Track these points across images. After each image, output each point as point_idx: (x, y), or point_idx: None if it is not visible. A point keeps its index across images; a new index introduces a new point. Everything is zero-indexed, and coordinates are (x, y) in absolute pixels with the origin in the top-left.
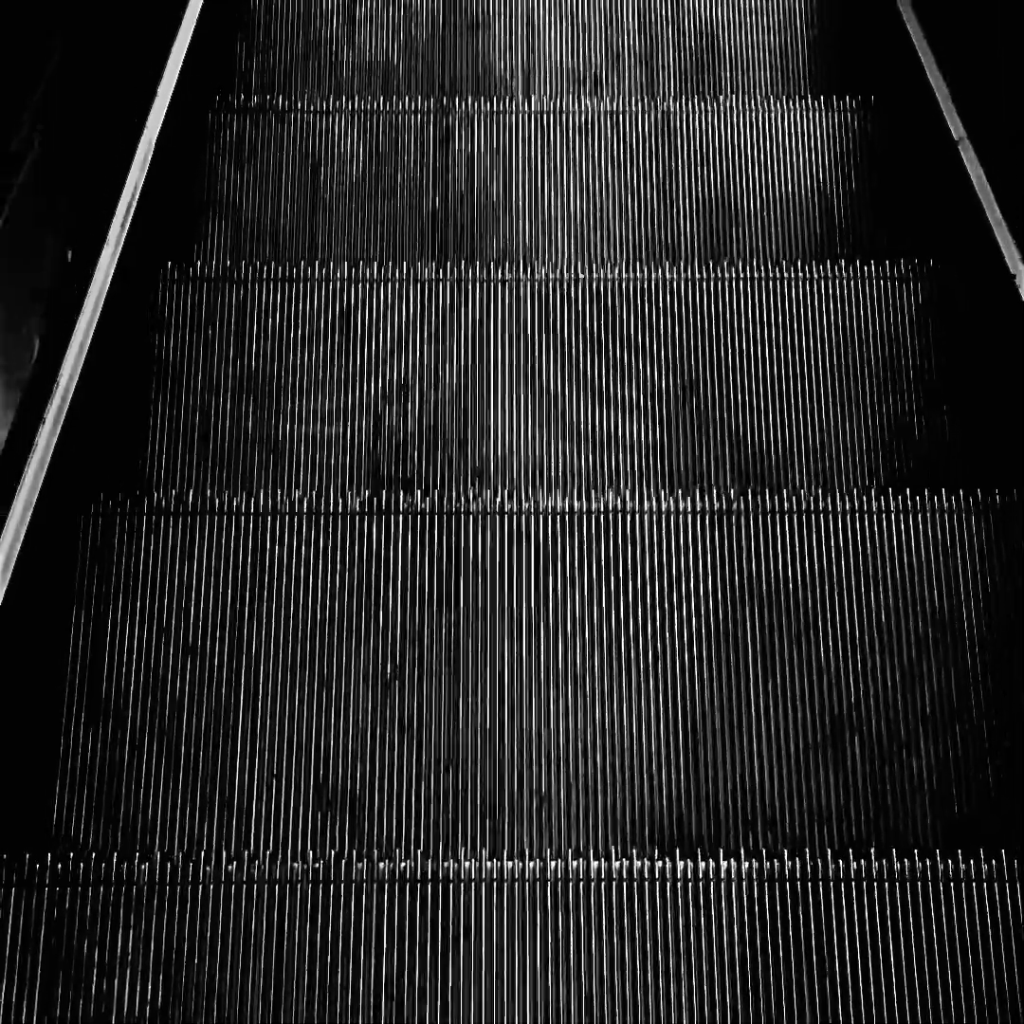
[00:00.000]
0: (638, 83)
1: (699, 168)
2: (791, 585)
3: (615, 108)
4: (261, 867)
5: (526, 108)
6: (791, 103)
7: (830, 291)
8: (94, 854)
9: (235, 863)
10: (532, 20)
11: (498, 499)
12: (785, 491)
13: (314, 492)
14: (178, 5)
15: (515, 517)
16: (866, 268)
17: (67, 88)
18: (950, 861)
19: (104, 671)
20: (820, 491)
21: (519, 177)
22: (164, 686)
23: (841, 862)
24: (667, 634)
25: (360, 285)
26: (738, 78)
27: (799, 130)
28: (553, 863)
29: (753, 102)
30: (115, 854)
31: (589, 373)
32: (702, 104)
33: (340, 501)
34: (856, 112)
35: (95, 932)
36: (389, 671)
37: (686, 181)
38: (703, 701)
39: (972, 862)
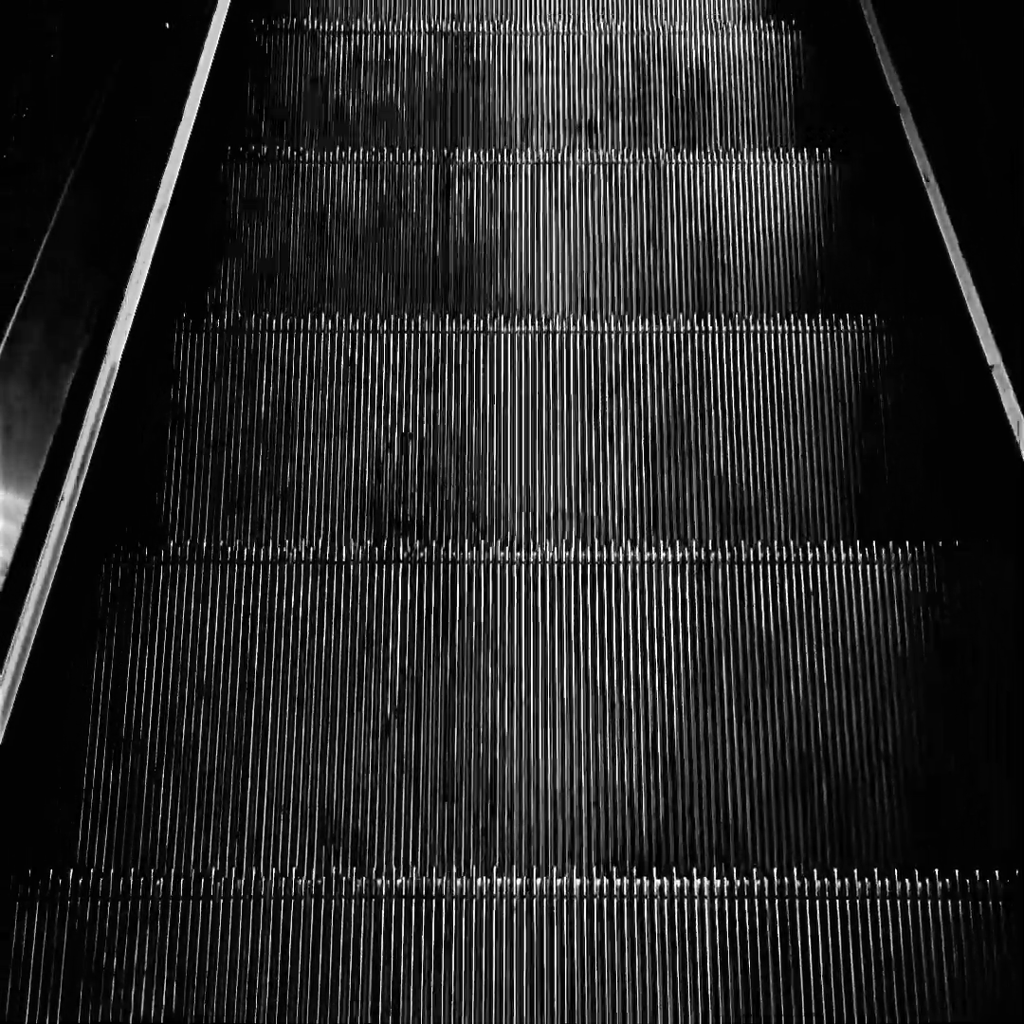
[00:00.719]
0: (631, 129)
1: (686, 217)
2: (764, 629)
3: (608, 159)
4: (268, 884)
5: (523, 159)
6: (775, 153)
7: (808, 343)
8: (112, 871)
9: (243, 880)
10: (531, 67)
11: (492, 548)
12: (759, 542)
13: (320, 540)
14: (191, 58)
15: (507, 566)
16: (841, 321)
17: (100, 146)
18: (907, 880)
19: (124, 709)
20: (793, 542)
21: (516, 227)
22: (180, 724)
23: (806, 880)
24: (648, 675)
25: (364, 335)
26: (726, 124)
27: (782, 180)
28: (539, 880)
29: (739, 153)
30: (133, 871)
31: (582, 421)
32: (691, 154)
33: (343, 549)
34: (837, 163)
35: (113, 943)
36: (390, 711)
37: (674, 230)
38: (681, 738)
39: (927, 881)
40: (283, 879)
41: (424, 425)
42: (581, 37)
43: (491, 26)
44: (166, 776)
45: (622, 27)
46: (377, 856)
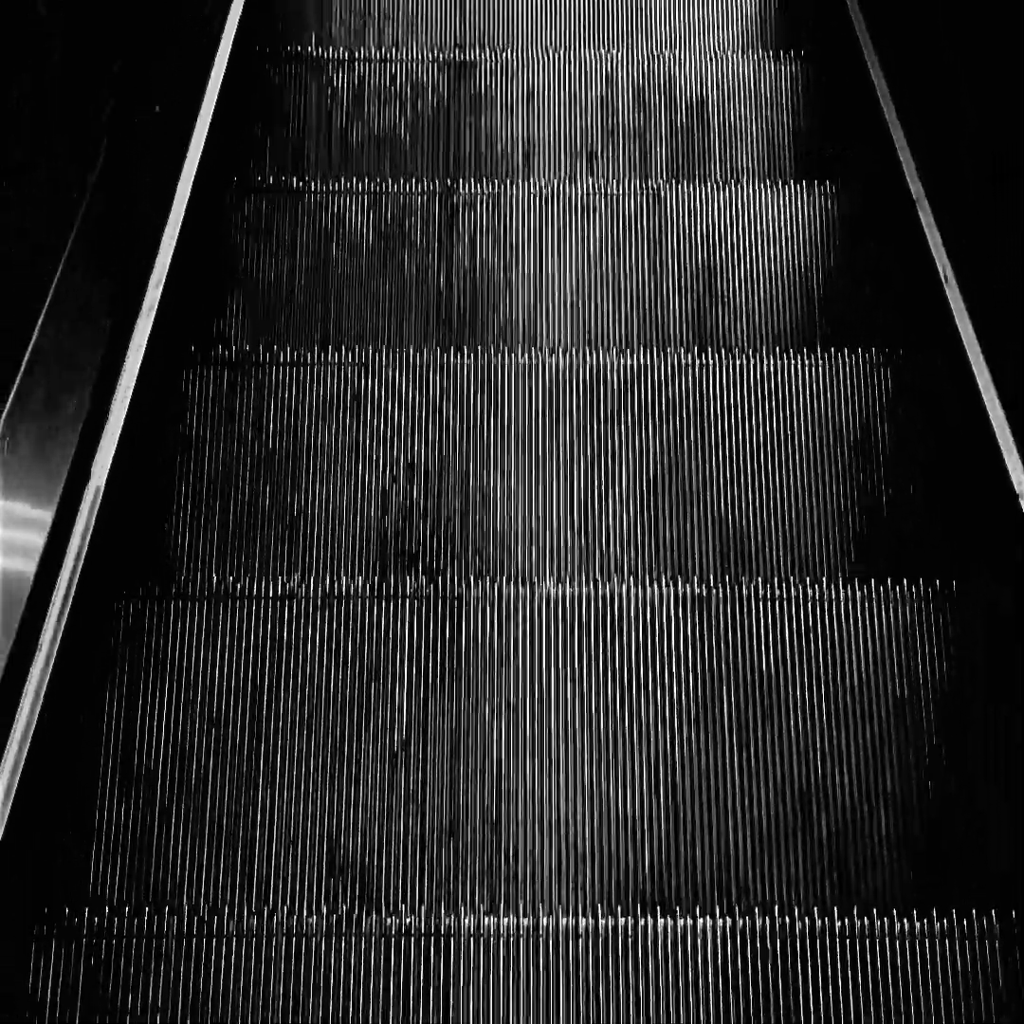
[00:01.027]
0: (631, 158)
1: (687, 247)
2: (764, 665)
3: (609, 190)
4: (278, 922)
5: (525, 189)
6: (775, 184)
7: (807, 377)
8: (127, 908)
9: (256, 918)
10: (532, 95)
11: (496, 584)
12: (759, 578)
13: (327, 575)
14: (198, 87)
15: (511, 601)
16: (840, 355)
17: (107, 184)
18: (905, 921)
19: (135, 744)
20: (793, 577)
21: (519, 258)
22: (190, 760)
23: (808, 920)
24: (651, 711)
25: (370, 368)
26: (726, 154)
27: (782, 211)
28: (545, 919)
29: (739, 183)
30: (147, 909)
31: (585, 454)
32: (691, 184)
33: (350, 584)
34: (836, 194)
35: (129, 981)
36: (397, 745)
37: (674, 261)
38: (683, 774)
39: (925, 922)
40: (294, 917)
41: (429, 458)
42: (581, 66)
43: (493, 55)
44: (177, 812)
45: (622, 56)
46: (385, 892)
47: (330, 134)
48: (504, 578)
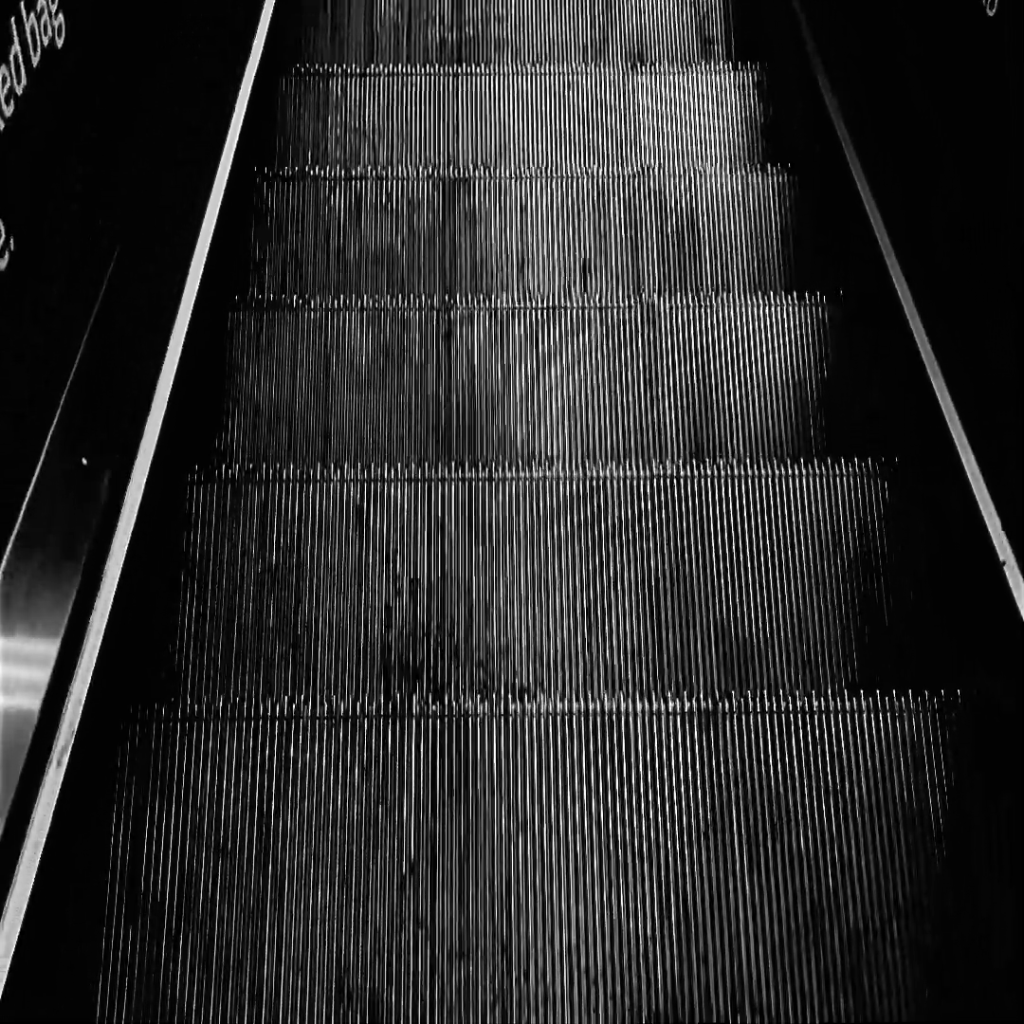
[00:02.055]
0: (624, 269)
1: (681, 360)
2: (772, 779)
3: (603, 303)
4: None
5: (521, 304)
6: (765, 296)
7: (805, 487)
8: None
9: None
10: (526, 210)
11: (501, 701)
12: (764, 690)
13: (333, 694)
14: (198, 209)
15: (517, 719)
16: (836, 465)
17: (112, 300)
18: None
19: (141, 871)
20: (798, 690)
21: (516, 372)
22: (196, 884)
23: None
24: (659, 827)
25: (371, 484)
26: (716, 267)
27: (773, 323)
28: None
29: (731, 296)
30: None
31: (586, 567)
32: (682, 297)
33: (355, 704)
34: (827, 305)
35: None
36: (405, 868)
37: (669, 374)
38: (693, 890)
39: None
40: None
41: (431, 572)
42: (573, 182)
43: (486, 171)
44: (183, 939)
45: (612, 171)
46: (394, 1020)
47: (328, 251)
48: (510, 695)
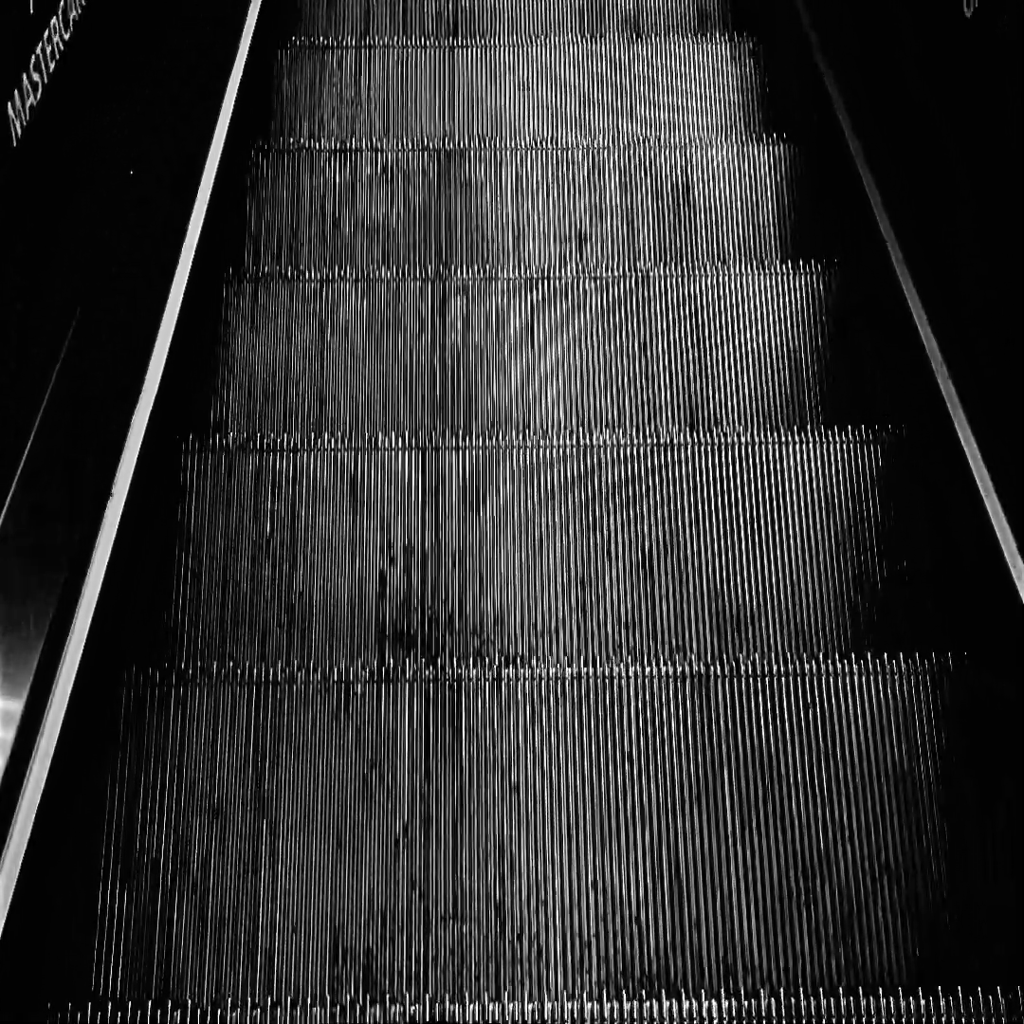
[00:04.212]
0: (620, 239)
1: (675, 329)
2: (764, 742)
3: (598, 273)
4: (282, 1014)
5: (516, 274)
6: (761, 265)
7: (799, 454)
8: (130, 1003)
9: (259, 1010)
10: (520, 181)
11: (495, 665)
12: (757, 654)
13: (326, 659)
14: (192, 180)
15: (510, 683)
16: (830, 433)
17: (105, 272)
18: (911, 999)
19: (136, 831)
20: (790, 653)
21: (511, 342)
22: (191, 846)
23: (813, 1000)
24: (652, 790)
25: (366, 452)
26: (712, 236)
27: (768, 292)
28: (549, 1005)
29: (726, 265)
30: (150, 1002)
31: (579, 533)
32: (678, 266)
33: (349, 668)
34: (823, 273)
35: None
36: (398, 829)
37: (664, 342)
38: (686, 852)
39: (930, 999)
40: (298, 1008)
41: (426, 540)
42: (569, 152)
43: (482, 143)
44: (178, 897)
45: (608, 142)
46: (389, 979)
47: (324, 223)
48: (503, 659)
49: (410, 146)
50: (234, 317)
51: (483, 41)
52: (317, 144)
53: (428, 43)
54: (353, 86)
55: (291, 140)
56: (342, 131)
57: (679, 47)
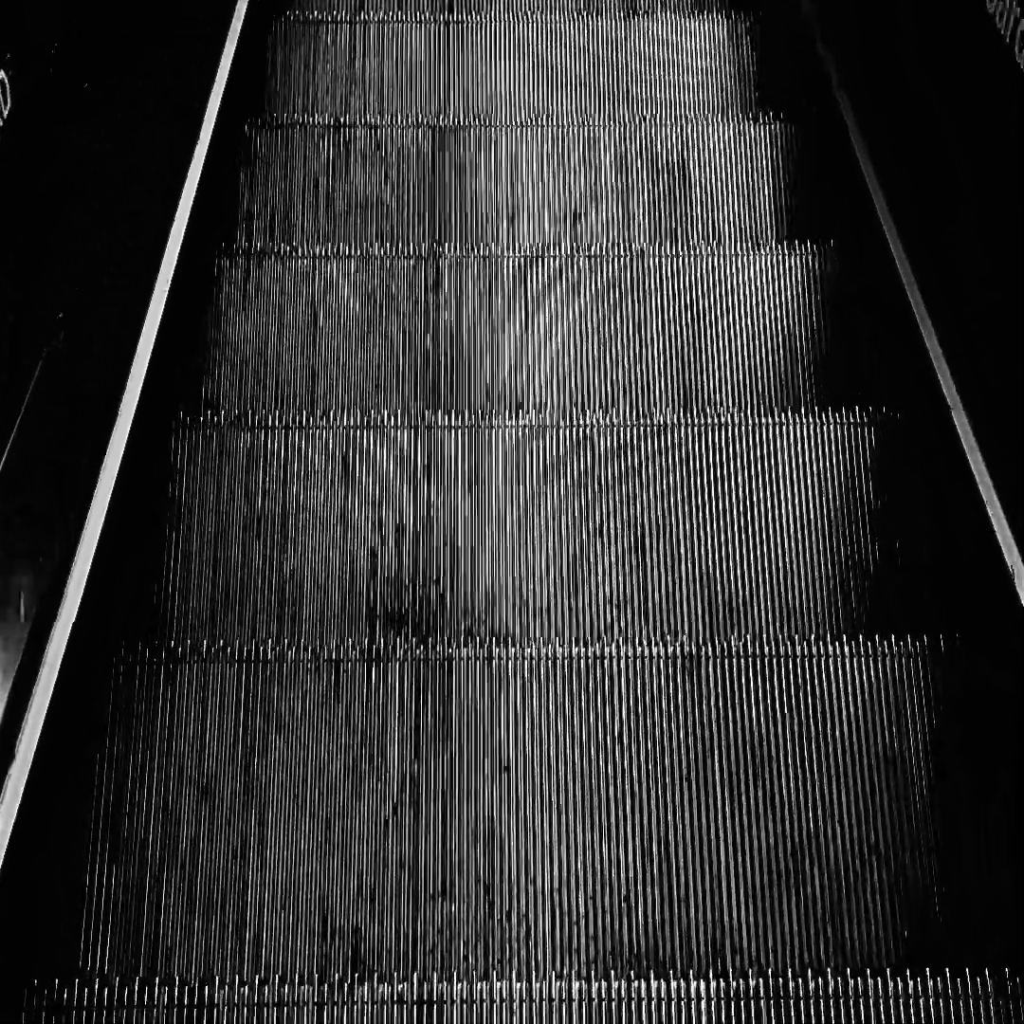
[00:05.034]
0: (615, 218)
1: (670, 309)
2: (755, 723)
3: (593, 251)
4: (269, 992)
5: (511, 252)
6: (756, 245)
7: (793, 435)
8: (118, 979)
9: (246, 988)
10: (516, 158)
11: (486, 644)
12: (748, 635)
13: (316, 638)
14: (184, 157)
15: (501, 662)
16: (824, 414)
17: (93, 247)
18: (899, 980)
19: (125, 810)
20: (781, 635)
21: (505, 320)
22: (180, 824)
23: (801, 981)
24: (642, 770)
25: (358, 431)
26: (708, 215)
27: (764, 272)
28: (538, 984)
29: (721, 245)
30: (137, 979)
31: (573, 513)
32: (673, 245)
33: (340, 647)
34: (819, 254)
35: None
36: (388, 809)
37: (658, 322)
38: (676, 833)
39: (919, 980)
40: (286, 986)
41: (417, 519)
42: (563, 129)
43: (477, 120)
44: (167, 878)
45: (604, 120)
46: (378, 958)
47: (317, 199)
48: (494, 639)
49: (404, 122)
50: (226, 294)
51: (479, 17)
52: (311, 119)
53: (424, 18)
54: (348, 61)
55: (284, 115)
56: (336, 106)
57: (676, 24)
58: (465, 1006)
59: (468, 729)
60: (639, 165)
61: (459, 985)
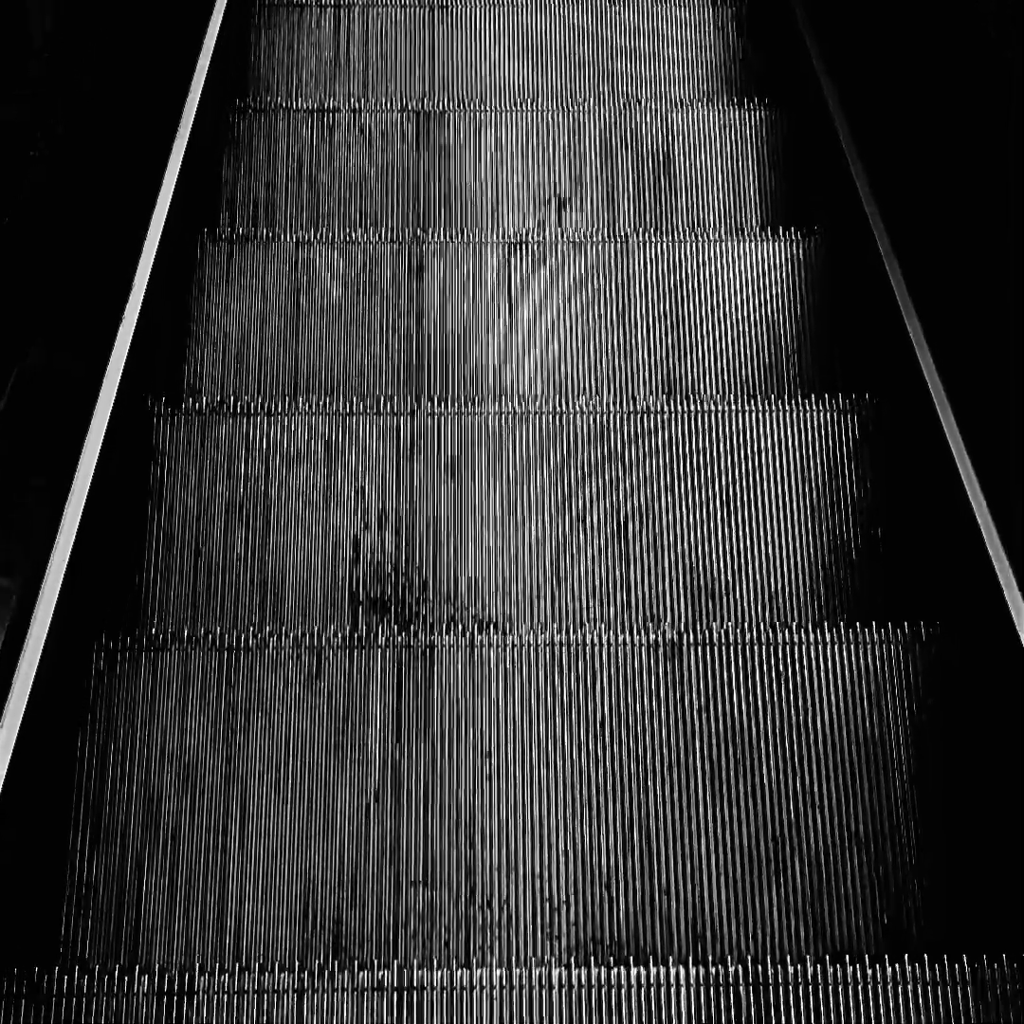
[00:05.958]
0: (600, 204)
1: (654, 296)
2: (737, 710)
3: (577, 238)
4: (251, 979)
5: (494, 238)
6: (740, 232)
7: (775, 422)
8: (97, 967)
9: (227, 976)
10: (500, 145)
11: (469, 631)
12: (730, 623)
13: (299, 624)
14: (167, 140)
15: (484, 649)
16: (807, 402)
17: (74, 240)
18: (879, 966)
19: (106, 797)
20: (763, 622)
21: (489, 305)
22: (162, 811)
23: (781, 968)
24: (624, 757)
25: (341, 417)
26: (692, 202)
27: (748, 260)
28: (519, 971)
29: (705, 232)
30: (117, 967)
31: (555, 500)
32: (657, 232)
33: (322, 634)
34: (803, 242)
35: None
36: (370, 795)
37: (642, 309)
38: (657, 821)
39: (897, 966)
40: (266, 974)
41: (400, 506)
42: (549, 115)
43: (461, 105)
44: (149, 864)
45: (590, 106)
46: (358, 945)
47: (300, 184)
48: (476, 626)
49: (389, 107)
50: (208, 278)
51: (464, 2)
52: (295, 103)
53: (409, 2)
54: (332, 45)
55: (268, 99)
56: (320, 91)
57: (662, 10)
58: (446, 993)
59: (450, 717)
60: (624, 151)
61: (440, 972)
